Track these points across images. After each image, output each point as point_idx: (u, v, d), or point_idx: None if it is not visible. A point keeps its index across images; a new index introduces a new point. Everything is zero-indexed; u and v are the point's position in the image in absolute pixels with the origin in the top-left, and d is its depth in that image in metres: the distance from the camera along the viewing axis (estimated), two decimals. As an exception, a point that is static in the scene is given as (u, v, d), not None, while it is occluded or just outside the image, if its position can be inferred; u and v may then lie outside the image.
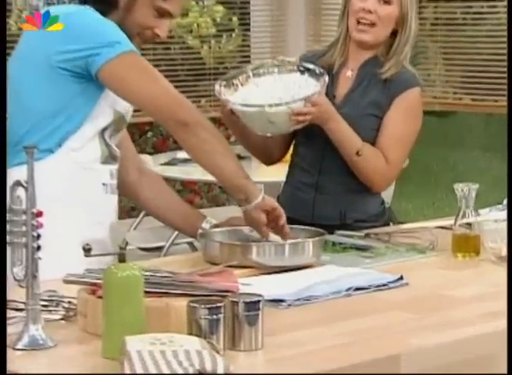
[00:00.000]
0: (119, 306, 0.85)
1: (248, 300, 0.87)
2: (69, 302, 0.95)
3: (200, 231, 1.23)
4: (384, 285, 1.08)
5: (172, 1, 1.19)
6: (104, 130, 1.19)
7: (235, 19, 3.48)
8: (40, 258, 0.87)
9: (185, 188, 3.31)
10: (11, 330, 0.87)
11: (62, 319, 0.94)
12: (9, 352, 0.83)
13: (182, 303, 0.88)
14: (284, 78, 1.33)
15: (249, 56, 3.35)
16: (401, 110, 1.37)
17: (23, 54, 1.18)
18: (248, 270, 1.11)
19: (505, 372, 0.92)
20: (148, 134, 3.24)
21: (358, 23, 1.36)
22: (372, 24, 1.36)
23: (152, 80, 1.15)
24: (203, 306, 0.85)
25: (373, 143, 1.37)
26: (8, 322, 0.87)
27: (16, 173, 0.94)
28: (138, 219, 2.50)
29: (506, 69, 2.85)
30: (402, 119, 1.37)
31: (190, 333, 0.85)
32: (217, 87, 1.30)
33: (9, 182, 0.89)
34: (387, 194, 1.78)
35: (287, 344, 0.89)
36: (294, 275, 1.11)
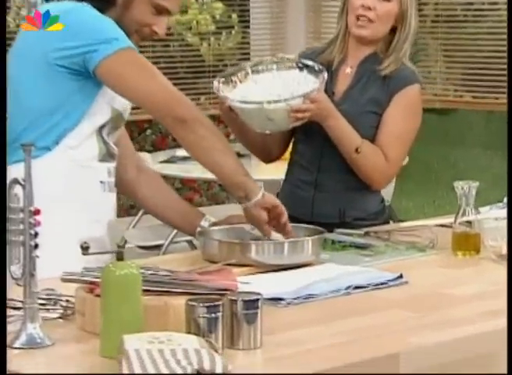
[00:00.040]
0: (117, 305, 0.85)
1: (247, 298, 0.87)
2: (67, 301, 0.95)
3: (198, 229, 1.23)
4: (383, 283, 1.07)
5: None
6: (102, 127, 1.18)
7: (234, 16, 3.47)
8: (37, 257, 0.87)
9: (184, 186, 3.31)
10: (9, 328, 0.86)
11: (59, 317, 0.94)
12: (7, 351, 0.83)
13: (180, 301, 0.87)
14: (283, 75, 1.32)
15: (248, 53, 3.34)
16: (401, 107, 1.36)
17: (20, 51, 1.17)
18: (247, 269, 1.11)
19: (505, 370, 0.92)
20: (147, 132, 3.24)
21: (358, 19, 1.35)
22: (371, 20, 1.35)
23: (150, 77, 1.14)
24: (201, 305, 0.85)
25: (372, 140, 1.37)
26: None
27: (13, 171, 0.93)
28: (137, 218, 2.49)
29: (507, 66, 2.84)
30: (401, 117, 1.36)
31: (189, 332, 0.85)
32: (215, 83, 1.30)
33: (6, 180, 0.88)
34: (387, 192, 1.77)
35: (286, 342, 0.89)
36: (293, 273, 1.11)
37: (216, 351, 0.81)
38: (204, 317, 0.84)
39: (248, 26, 3.37)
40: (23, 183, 0.87)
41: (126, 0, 1.17)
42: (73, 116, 1.15)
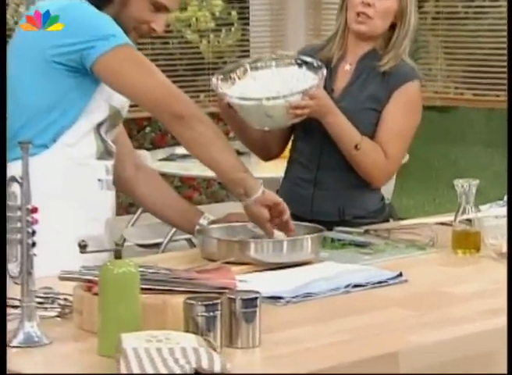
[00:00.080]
0: (115, 303, 0.84)
1: (245, 297, 0.87)
2: (65, 299, 0.95)
3: (197, 227, 1.22)
4: (383, 282, 1.07)
5: None
6: (99, 125, 1.18)
7: (234, 13, 3.46)
8: (35, 255, 0.87)
9: (183, 184, 3.31)
10: (7, 327, 0.86)
11: (57, 316, 0.94)
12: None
13: (178, 300, 0.87)
14: (282, 71, 1.32)
15: (248, 51, 3.33)
16: (400, 104, 1.36)
17: (17, 48, 1.17)
18: (246, 267, 1.10)
19: (505, 369, 0.92)
20: (147, 130, 3.23)
21: (357, 15, 1.34)
22: (371, 17, 1.34)
23: (147, 73, 1.13)
24: (200, 303, 0.84)
25: (372, 137, 1.36)
26: (3, 319, 0.86)
27: (11, 169, 0.93)
28: (136, 216, 2.48)
29: (507, 64, 2.83)
30: (401, 113, 1.36)
31: (187, 331, 0.84)
32: (214, 80, 1.29)
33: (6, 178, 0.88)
34: (387, 190, 1.77)
35: (285, 341, 0.89)
36: (292, 272, 1.11)
37: (215, 349, 0.81)
38: (202, 316, 0.84)
39: (248, 23, 3.36)
40: (20, 181, 0.87)
41: None
42: (71, 113, 1.15)
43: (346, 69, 1.38)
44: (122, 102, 1.20)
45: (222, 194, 3.35)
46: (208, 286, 0.91)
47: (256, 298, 0.87)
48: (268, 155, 1.46)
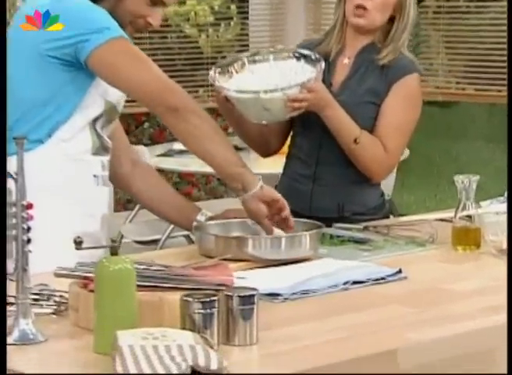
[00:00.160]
0: (111, 300, 0.84)
1: (243, 294, 0.86)
2: (61, 296, 0.94)
3: (195, 224, 1.21)
4: (382, 279, 1.06)
5: None
6: (95, 120, 1.17)
7: (233, 7, 3.45)
8: (30, 252, 0.86)
9: (182, 180, 3.30)
10: (1, 324, 0.85)
11: (53, 313, 0.93)
12: (-1, 347, 0.82)
13: (175, 297, 0.86)
14: (280, 65, 1.30)
15: (247, 45, 3.31)
16: (400, 97, 1.34)
17: (12, 42, 1.16)
18: (244, 264, 1.10)
19: (505, 367, 0.91)
20: (145, 125, 3.22)
21: (355, 8, 1.33)
22: (369, 10, 1.33)
23: (142, 66, 1.12)
24: (196, 300, 0.83)
25: (371, 131, 1.35)
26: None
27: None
28: (134, 212, 2.47)
29: (507, 59, 2.81)
30: (401, 107, 1.34)
31: (184, 328, 0.84)
32: (211, 73, 1.28)
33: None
34: (387, 186, 1.76)
35: (283, 338, 0.88)
36: (291, 268, 1.10)
37: (211, 347, 0.80)
38: (199, 313, 0.83)
39: (247, 18, 3.34)
40: (15, 176, 0.86)
41: None
42: (66, 108, 1.14)
43: (345, 62, 1.37)
44: (118, 97, 1.19)
45: (221, 190, 3.34)
46: (205, 283, 0.91)
47: (253, 295, 0.86)
48: (266, 151, 1.45)
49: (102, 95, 1.16)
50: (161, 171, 2.05)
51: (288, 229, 1.15)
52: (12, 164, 0.87)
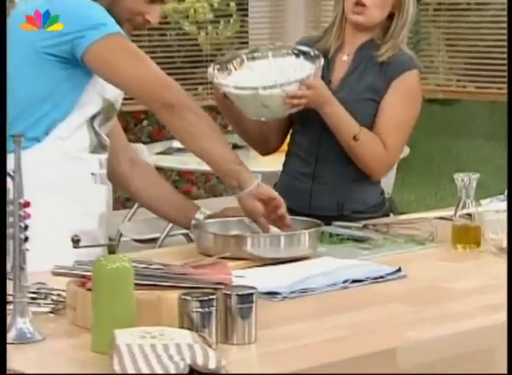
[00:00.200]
0: (109, 299, 0.83)
1: (241, 292, 0.86)
2: (58, 295, 0.94)
3: (193, 222, 1.21)
4: (381, 277, 1.06)
5: None
6: (93, 118, 1.17)
7: (233, 4, 3.43)
8: (27, 250, 0.86)
9: (181, 178, 3.29)
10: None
11: (50, 312, 0.93)
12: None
13: (173, 296, 0.86)
14: (279, 61, 1.30)
15: (247, 42, 3.30)
16: (399, 94, 1.34)
17: (8, 39, 1.15)
18: (243, 262, 1.09)
19: (505, 365, 0.90)
20: (144, 123, 3.22)
21: (355, 5, 1.33)
22: (368, 6, 1.32)
23: (138, 63, 1.12)
24: (195, 299, 0.83)
25: (371, 128, 1.34)
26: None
27: (2, 163, 0.91)
28: (132, 210, 2.47)
29: (507, 57, 2.80)
30: (400, 104, 1.34)
31: (182, 327, 0.83)
32: (210, 70, 1.27)
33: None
34: (387, 184, 1.75)
35: (282, 337, 0.87)
36: (290, 267, 1.10)
37: (210, 346, 0.80)
38: (197, 311, 0.83)
39: (247, 15, 3.33)
40: (12, 174, 0.86)
41: None
42: (63, 106, 1.13)
43: (344, 59, 1.36)
44: (115, 95, 1.18)
45: (220, 189, 3.34)
46: (203, 281, 0.90)
47: (252, 293, 0.86)
48: (266, 149, 1.44)
49: (100, 93, 1.15)
50: (160, 169, 2.04)
51: (284, 227, 1.14)
52: (9, 162, 0.86)
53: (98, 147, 1.18)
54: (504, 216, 1.18)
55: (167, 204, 1.25)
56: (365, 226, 1.29)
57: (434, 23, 3.35)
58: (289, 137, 1.42)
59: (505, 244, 1.17)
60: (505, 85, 3.08)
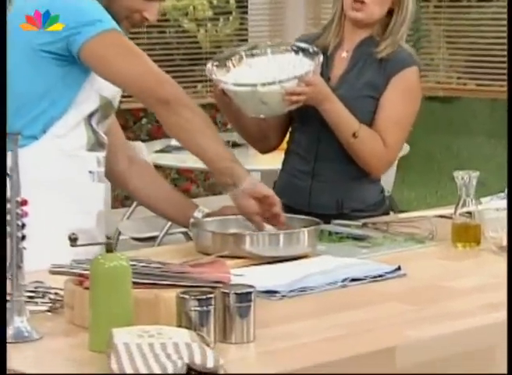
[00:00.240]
0: (106, 298, 0.83)
1: (239, 291, 0.85)
2: (56, 294, 0.93)
3: (192, 221, 1.20)
4: (381, 276, 1.05)
5: None
6: (90, 116, 1.16)
7: (232, 1, 3.42)
8: (25, 248, 0.85)
9: (181, 176, 3.28)
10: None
11: (48, 310, 0.92)
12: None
13: (171, 294, 0.85)
14: (278, 58, 1.29)
15: (246, 40, 3.29)
16: (398, 91, 1.33)
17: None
18: (241, 261, 1.09)
19: (505, 364, 0.90)
20: (143, 121, 3.21)
21: (353, 2, 1.32)
22: (367, 3, 1.31)
23: (134, 59, 1.11)
24: (193, 298, 0.83)
25: (370, 125, 1.34)
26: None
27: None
28: (131, 209, 2.46)
29: (507, 54, 2.79)
30: (400, 100, 1.33)
31: (180, 326, 0.83)
32: (209, 66, 1.26)
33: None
34: (387, 183, 1.74)
35: (280, 336, 0.87)
36: (289, 265, 1.09)
37: (208, 345, 0.80)
38: (195, 310, 0.82)
39: (246, 12, 3.32)
40: (9, 172, 0.85)
41: None
42: (60, 103, 1.13)
43: (343, 56, 1.36)
44: (113, 93, 1.18)
45: (219, 187, 3.33)
46: (201, 280, 0.90)
47: (250, 292, 0.85)
48: (265, 147, 1.44)
49: (97, 91, 1.15)
50: (159, 167, 2.02)
51: (279, 225, 1.13)
52: (8, 160, 0.86)
53: (96, 145, 1.17)
54: (504, 214, 1.17)
55: (165, 202, 1.24)
56: (365, 225, 1.28)
57: (434, 20, 3.34)
58: (288, 135, 1.42)
59: (505, 242, 1.16)
60: (506, 82, 3.07)
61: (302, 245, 1.12)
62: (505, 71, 3.05)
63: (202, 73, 3.28)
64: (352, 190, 1.36)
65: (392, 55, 1.33)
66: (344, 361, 0.82)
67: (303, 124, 1.36)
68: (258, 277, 0.99)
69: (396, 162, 1.58)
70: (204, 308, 0.82)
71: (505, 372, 0.90)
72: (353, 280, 1.03)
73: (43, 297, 0.93)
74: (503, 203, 1.22)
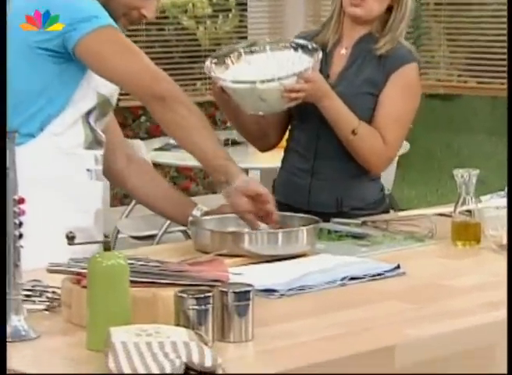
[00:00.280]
0: (104, 296, 0.83)
1: (238, 290, 0.85)
2: (53, 292, 0.93)
3: (190, 219, 1.20)
4: (380, 274, 1.05)
5: None
6: (88, 114, 1.16)
7: (232, -2, 3.44)
8: (22, 247, 0.85)
9: (180, 175, 3.27)
10: (-7, 320, 0.84)
11: (45, 309, 0.92)
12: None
13: (169, 293, 0.85)
14: (277, 55, 1.29)
15: (246, 37, 3.27)
16: (398, 87, 1.32)
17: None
18: (240, 259, 1.08)
19: (505, 363, 0.90)
20: (142, 119, 3.20)
21: None
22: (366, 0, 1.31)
23: (129, 55, 1.11)
24: (191, 296, 0.82)
25: (370, 122, 1.33)
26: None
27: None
28: (130, 207, 2.45)
29: (507, 52, 2.78)
30: (399, 97, 1.32)
31: (178, 324, 0.83)
32: (207, 63, 1.26)
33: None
34: (387, 181, 1.74)
35: (279, 335, 0.87)
36: (288, 264, 1.09)
37: (206, 344, 0.79)
38: (193, 309, 0.82)
39: (246, 9, 3.30)
40: (6, 170, 0.85)
41: None
42: (57, 101, 1.13)
43: (342, 53, 1.35)
44: (111, 90, 1.17)
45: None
46: (199, 278, 0.89)
47: (249, 291, 0.85)
48: (265, 145, 1.43)
49: (95, 88, 1.15)
50: (158, 165, 2.01)
51: (272, 223, 1.12)
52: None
53: (94, 143, 1.17)
54: (504, 213, 1.17)
55: (164, 201, 1.24)
56: (364, 223, 1.28)
57: (435, 17, 3.33)
58: (287, 132, 1.41)
59: (505, 240, 1.16)
60: (506, 80, 3.06)
61: (301, 244, 1.12)
62: (505, 69, 3.04)
63: (201, 70, 3.22)
64: (352, 188, 1.36)
65: (391, 51, 1.32)
66: (343, 360, 0.82)
67: (302, 122, 1.36)
68: (257, 276, 0.99)
69: (396, 160, 1.57)
70: (203, 306, 0.82)
71: (505, 371, 0.89)
72: (353, 278, 1.03)
73: (40, 295, 0.93)
74: (503, 201, 1.22)
